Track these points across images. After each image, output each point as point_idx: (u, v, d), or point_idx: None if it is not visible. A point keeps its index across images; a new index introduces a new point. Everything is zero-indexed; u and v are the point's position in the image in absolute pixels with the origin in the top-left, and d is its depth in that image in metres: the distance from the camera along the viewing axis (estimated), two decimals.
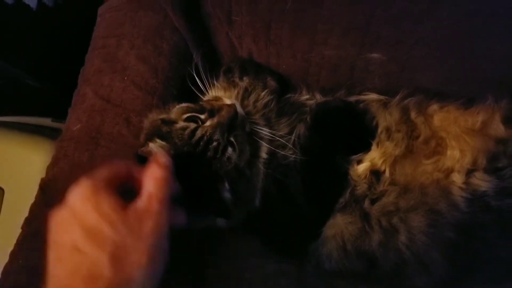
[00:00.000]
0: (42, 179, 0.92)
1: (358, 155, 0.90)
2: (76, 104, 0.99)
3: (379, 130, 0.91)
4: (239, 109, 0.86)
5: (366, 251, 0.87)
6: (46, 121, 1.47)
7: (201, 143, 0.80)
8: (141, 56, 0.99)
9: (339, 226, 0.87)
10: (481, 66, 0.90)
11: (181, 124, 0.83)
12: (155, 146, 0.81)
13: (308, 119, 0.93)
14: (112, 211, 0.57)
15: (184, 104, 0.88)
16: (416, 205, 0.83)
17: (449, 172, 0.86)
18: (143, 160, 0.79)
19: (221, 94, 0.99)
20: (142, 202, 0.61)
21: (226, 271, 1.02)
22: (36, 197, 0.89)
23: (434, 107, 0.93)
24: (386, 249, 0.85)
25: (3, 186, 1.16)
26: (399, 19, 0.91)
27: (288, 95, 1.02)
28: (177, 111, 0.87)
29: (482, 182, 0.82)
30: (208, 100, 0.89)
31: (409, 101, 0.94)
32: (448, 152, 0.88)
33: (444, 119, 0.91)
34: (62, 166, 0.91)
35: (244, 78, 1.01)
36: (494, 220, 0.81)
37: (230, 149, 0.81)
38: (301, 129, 0.92)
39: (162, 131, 0.83)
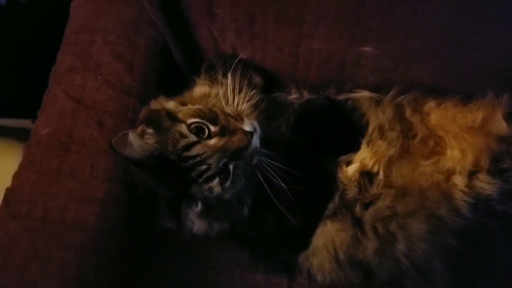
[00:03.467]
0: (6, 189, 0.83)
1: (347, 156, 0.84)
2: (46, 106, 0.90)
3: (370, 129, 0.86)
4: (255, 141, 0.76)
5: (360, 260, 0.81)
6: (27, 123, 1.39)
7: (191, 162, 0.72)
8: (116, 53, 0.91)
9: (330, 234, 0.82)
10: (478, 58, 0.85)
11: (183, 129, 0.74)
12: (134, 138, 0.74)
13: (291, 120, 0.86)
14: None
15: (197, 106, 0.79)
16: (415, 210, 0.78)
17: (450, 173, 0.81)
18: (114, 149, 0.75)
19: (206, 90, 0.92)
20: None
21: (213, 283, 0.97)
22: None
23: (431, 104, 0.88)
24: (383, 258, 0.80)
25: None
26: (390, 9, 0.85)
27: (275, 94, 0.95)
28: (187, 110, 0.78)
29: (486, 184, 0.77)
30: (228, 114, 0.78)
31: (403, 98, 0.89)
32: (448, 152, 0.82)
33: (441, 116, 0.86)
34: (28, 174, 0.82)
35: (228, 75, 0.93)
36: (499, 226, 0.76)
37: (216, 180, 0.73)
38: (285, 131, 0.86)
39: (162, 124, 0.75)
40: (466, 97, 0.86)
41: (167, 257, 0.93)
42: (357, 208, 0.81)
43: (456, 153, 0.81)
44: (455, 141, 0.82)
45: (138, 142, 0.74)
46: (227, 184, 0.74)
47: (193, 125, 0.75)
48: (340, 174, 0.83)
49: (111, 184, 0.84)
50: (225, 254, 0.98)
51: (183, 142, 0.73)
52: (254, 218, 0.82)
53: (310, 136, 0.85)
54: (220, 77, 0.94)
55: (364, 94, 0.91)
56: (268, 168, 0.76)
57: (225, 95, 0.90)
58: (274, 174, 0.75)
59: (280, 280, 0.93)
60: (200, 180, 0.72)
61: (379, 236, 0.79)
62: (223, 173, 0.74)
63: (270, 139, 0.84)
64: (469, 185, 0.77)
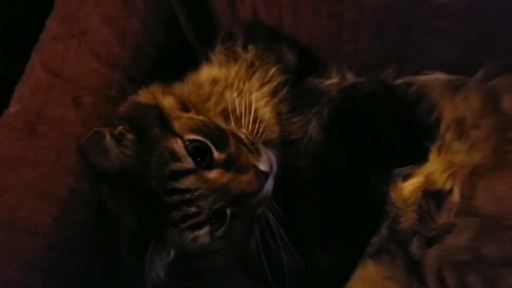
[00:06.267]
0: None
1: (406, 168, 0.61)
2: (23, 80, 0.79)
3: (443, 127, 0.62)
4: (268, 186, 0.57)
5: None
6: None
7: (176, 197, 0.53)
8: (106, 16, 0.78)
9: (372, 282, 0.60)
10: None
11: (178, 146, 0.55)
12: (112, 143, 0.56)
13: (324, 114, 0.65)
14: None
15: (200, 118, 0.59)
16: None
17: None
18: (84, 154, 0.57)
19: (216, 73, 0.73)
20: None
21: None
22: None
23: None
24: None
25: None
26: None
27: (309, 79, 0.73)
28: (188, 120, 0.59)
29: None
30: (240, 139, 0.59)
31: (499, 81, 0.63)
32: None
33: None
34: None
35: (250, 47, 0.75)
36: None
37: (205, 229, 0.55)
38: (314, 130, 0.65)
39: (149, 130, 0.57)
40: None
41: None
42: (414, 246, 0.58)
43: None
44: None
45: (116, 150, 0.56)
46: (219, 233, 0.57)
47: (192, 144, 0.56)
48: (394, 194, 0.60)
49: (78, 179, 0.70)
50: None
51: (174, 166, 0.54)
52: (265, 255, 0.61)
53: (351, 140, 0.64)
54: (240, 49, 0.76)
55: (437, 76, 0.66)
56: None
57: (236, 80, 0.71)
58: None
59: None
60: (182, 226, 0.54)
61: None
62: (215, 217, 0.56)
63: (290, 143, 0.65)
64: None
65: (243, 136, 0.59)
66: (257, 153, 0.57)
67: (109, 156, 0.55)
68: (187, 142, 0.56)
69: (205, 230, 0.55)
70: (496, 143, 0.57)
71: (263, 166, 0.56)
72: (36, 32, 0.83)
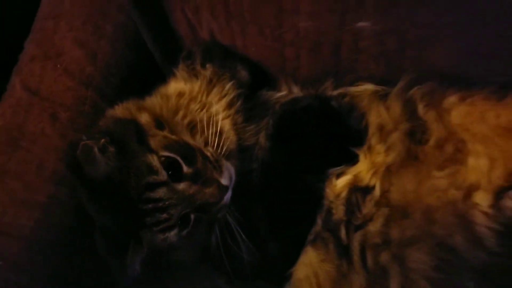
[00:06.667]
0: None
1: (338, 168, 0.68)
2: (4, 98, 0.84)
3: (370, 132, 0.69)
4: (227, 197, 0.65)
5: None
6: None
7: (151, 205, 0.60)
8: (78, 40, 0.84)
9: (312, 265, 0.67)
10: None
11: (154, 161, 0.62)
12: (99, 153, 0.61)
13: (270, 124, 0.73)
14: None
15: (173, 137, 0.66)
16: (417, 237, 0.60)
17: (472, 190, 0.61)
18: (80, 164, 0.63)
19: (181, 87, 0.80)
20: None
21: None
22: None
23: (452, 98, 0.69)
24: None
25: None
26: None
27: (261, 92, 0.82)
28: (163, 139, 0.65)
29: None
30: (206, 157, 0.66)
31: (416, 91, 0.71)
32: (471, 161, 0.63)
33: (466, 114, 0.67)
34: None
35: (208, 65, 0.82)
36: None
37: (174, 231, 0.63)
38: (262, 138, 0.73)
39: (129, 145, 0.63)
40: (501, 89, 0.66)
41: None
42: (343, 233, 0.64)
43: (483, 162, 0.61)
44: (483, 147, 0.62)
45: (103, 160, 0.62)
46: (183, 233, 0.64)
47: (165, 160, 0.62)
48: (328, 190, 0.68)
49: (57, 186, 0.76)
50: (203, 281, 0.83)
51: (150, 179, 0.61)
52: (224, 248, 0.68)
53: (291, 147, 0.72)
54: (199, 67, 0.82)
55: (366, 87, 0.74)
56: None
57: (199, 94, 0.78)
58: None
59: None
60: (155, 229, 0.62)
61: (368, 269, 0.61)
62: (181, 221, 0.64)
63: (245, 149, 0.73)
64: (497, 206, 0.57)
65: (209, 154, 0.65)
66: (220, 169, 0.64)
67: (97, 166, 0.61)
68: (162, 158, 0.62)
69: (174, 232, 0.62)
70: (409, 143, 0.65)
71: (224, 181, 0.63)
72: (16, 54, 0.88)
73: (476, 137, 0.64)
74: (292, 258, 0.68)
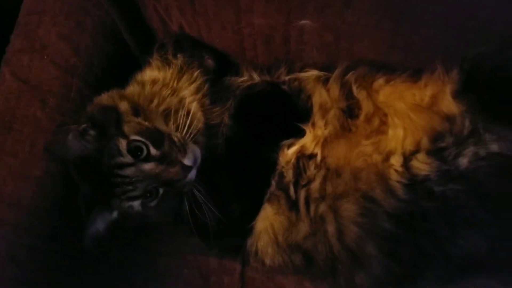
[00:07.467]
0: None
1: (289, 140, 0.81)
2: None
3: (314, 110, 0.82)
4: (191, 174, 0.76)
5: (298, 244, 0.78)
6: None
7: (119, 179, 0.72)
8: (62, 34, 0.92)
9: (269, 218, 0.80)
10: (423, 30, 0.78)
11: (122, 146, 0.73)
12: (74, 139, 0.74)
13: (232, 106, 0.84)
14: None
15: (145, 124, 0.76)
16: (346, 192, 0.74)
17: (390, 154, 0.75)
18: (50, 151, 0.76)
19: (155, 75, 0.90)
20: None
21: (164, 268, 0.97)
22: None
23: (380, 81, 0.83)
24: (316, 242, 0.76)
25: None
26: None
27: (225, 77, 0.92)
28: (136, 125, 0.75)
29: (423, 165, 0.71)
30: (174, 142, 0.75)
31: (351, 75, 0.83)
32: (390, 131, 0.77)
33: (389, 94, 0.81)
34: None
35: (179, 55, 0.92)
36: (439, 210, 0.70)
37: (138, 201, 0.75)
38: (226, 118, 0.84)
39: (108, 130, 0.74)
40: (416, 73, 0.80)
41: (113, 244, 0.91)
42: (292, 191, 0.78)
43: (399, 132, 0.75)
44: (400, 120, 0.76)
45: (77, 143, 0.74)
46: (152, 203, 0.76)
47: (133, 144, 0.73)
48: (281, 158, 0.80)
49: (49, 163, 0.85)
50: (177, 240, 0.97)
51: (118, 160, 0.72)
52: (192, 215, 0.80)
53: (250, 125, 0.83)
54: (170, 57, 0.92)
55: (312, 73, 0.87)
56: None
57: (171, 81, 0.88)
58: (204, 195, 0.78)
59: (233, 264, 0.93)
60: (122, 197, 0.74)
61: (310, 218, 0.75)
62: (150, 193, 0.75)
63: (211, 127, 0.84)
64: (405, 165, 0.72)
65: (176, 139, 0.75)
66: (184, 152, 0.74)
67: (69, 149, 0.74)
68: (132, 141, 0.73)
69: (137, 202, 0.75)
70: (343, 118, 0.78)
71: (187, 162, 0.74)
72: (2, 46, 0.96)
73: (396, 112, 0.77)
74: (253, 214, 0.80)
